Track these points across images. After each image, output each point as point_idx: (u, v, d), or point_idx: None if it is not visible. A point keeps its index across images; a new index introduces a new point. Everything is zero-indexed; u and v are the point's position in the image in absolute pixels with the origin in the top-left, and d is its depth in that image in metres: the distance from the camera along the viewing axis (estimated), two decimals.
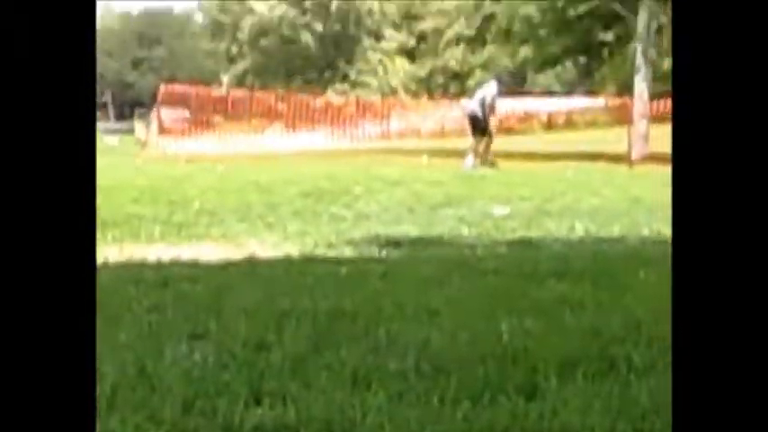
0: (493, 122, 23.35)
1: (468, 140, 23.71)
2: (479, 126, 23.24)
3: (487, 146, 23.25)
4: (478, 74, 23.12)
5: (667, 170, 20.75)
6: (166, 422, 3.22)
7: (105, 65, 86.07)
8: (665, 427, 3.10)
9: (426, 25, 70.50)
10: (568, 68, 49.72)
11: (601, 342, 4.28)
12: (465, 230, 9.27)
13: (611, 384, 3.68)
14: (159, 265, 6.80)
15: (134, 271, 6.55)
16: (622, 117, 32.01)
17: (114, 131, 58.35)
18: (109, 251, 7.58)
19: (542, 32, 41.84)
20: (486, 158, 22.98)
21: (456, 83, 65.83)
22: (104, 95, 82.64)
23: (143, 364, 3.91)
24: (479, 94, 23.85)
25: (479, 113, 23.28)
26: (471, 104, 23.82)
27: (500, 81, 24.84)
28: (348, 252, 7.73)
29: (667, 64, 36.76)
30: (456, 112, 27.58)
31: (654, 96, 31.79)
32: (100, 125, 69.18)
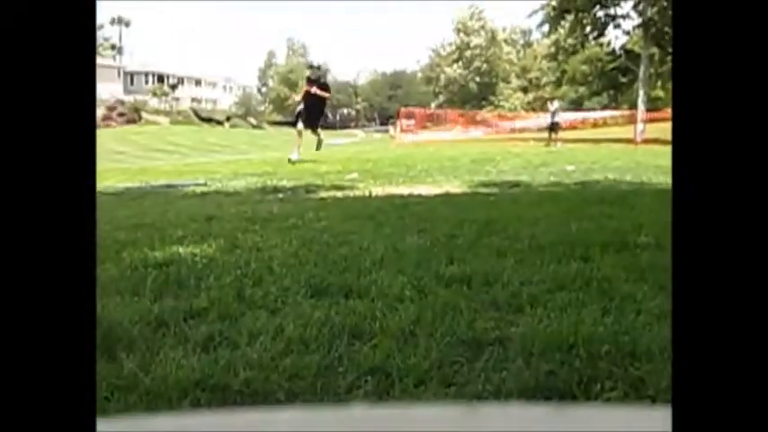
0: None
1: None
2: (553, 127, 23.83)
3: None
4: (557, 102, 23.22)
5: (655, 148, 19.66)
6: (408, 273, 3.27)
7: (374, 99, 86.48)
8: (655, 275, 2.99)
9: (532, 75, 68.87)
10: (604, 97, 47.49)
11: (621, 233, 4.15)
12: (552, 179, 9.03)
13: (627, 255, 3.57)
14: (401, 197, 6.86)
15: (388, 200, 6.63)
16: (631, 120, 30.96)
17: (378, 131, 58.78)
18: (376, 189, 7.70)
19: (590, 78, 40.46)
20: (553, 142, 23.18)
21: (546, 105, 64.04)
22: (374, 113, 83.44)
23: (395, 245, 3.97)
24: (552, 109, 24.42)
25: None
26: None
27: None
28: (495, 189, 7.64)
29: (655, 94, 34.95)
30: (547, 120, 26.92)
31: (648, 110, 30.63)
32: (371, 128, 69.74)
